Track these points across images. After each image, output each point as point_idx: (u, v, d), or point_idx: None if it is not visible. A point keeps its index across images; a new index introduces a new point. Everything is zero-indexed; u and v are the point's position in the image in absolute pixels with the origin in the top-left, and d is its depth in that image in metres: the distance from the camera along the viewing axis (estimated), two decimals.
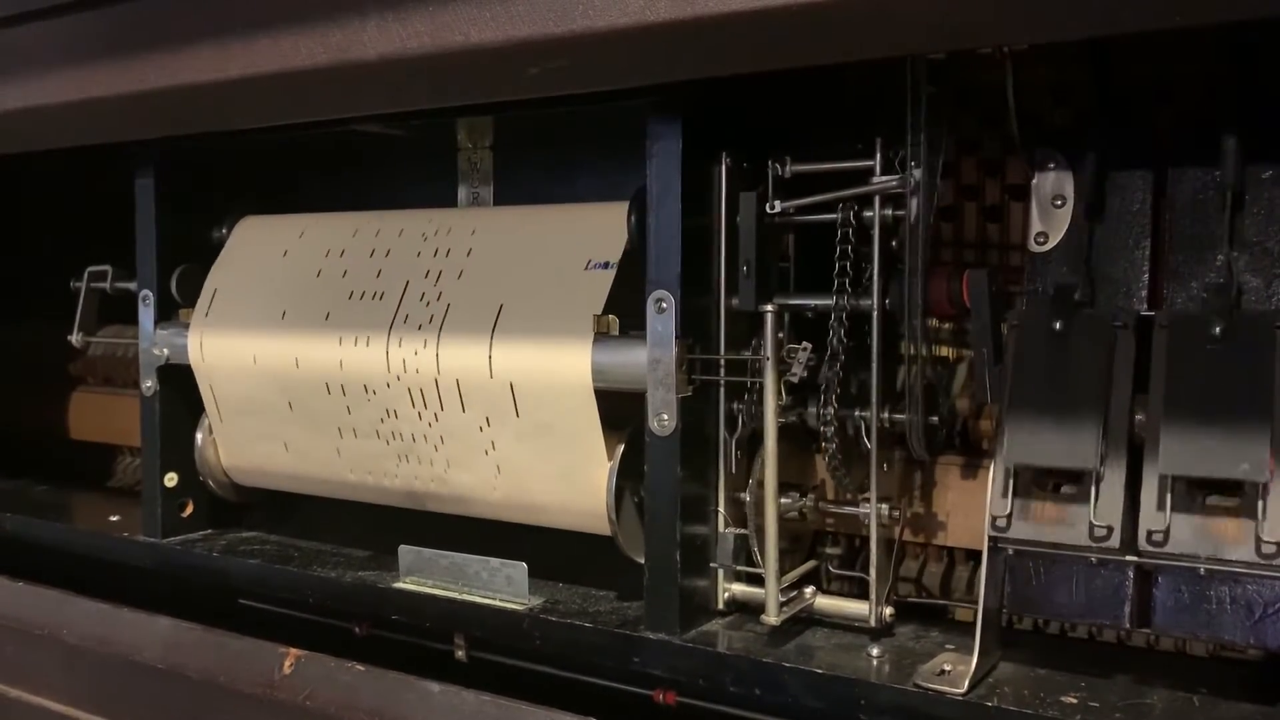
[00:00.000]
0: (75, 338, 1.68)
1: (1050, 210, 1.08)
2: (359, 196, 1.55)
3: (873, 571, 1.12)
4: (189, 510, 1.57)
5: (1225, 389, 0.94)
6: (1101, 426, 0.97)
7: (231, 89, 1.19)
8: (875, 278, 1.10)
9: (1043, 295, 1.07)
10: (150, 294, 1.53)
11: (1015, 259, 1.21)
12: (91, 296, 1.66)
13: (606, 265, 1.19)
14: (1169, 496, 0.94)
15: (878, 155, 1.09)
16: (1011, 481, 1.00)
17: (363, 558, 1.45)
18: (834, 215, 1.12)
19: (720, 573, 1.17)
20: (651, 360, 1.12)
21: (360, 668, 1.28)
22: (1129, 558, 0.97)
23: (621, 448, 1.18)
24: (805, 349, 1.12)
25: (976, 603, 1.03)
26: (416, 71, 1.07)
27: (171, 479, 1.54)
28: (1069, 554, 0.99)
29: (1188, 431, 0.93)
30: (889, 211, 1.10)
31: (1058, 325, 1.01)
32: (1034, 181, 1.09)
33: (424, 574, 1.31)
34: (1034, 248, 1.09)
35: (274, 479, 1.50)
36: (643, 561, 1.15)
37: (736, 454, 1.16)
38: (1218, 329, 0.95)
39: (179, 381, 1.52)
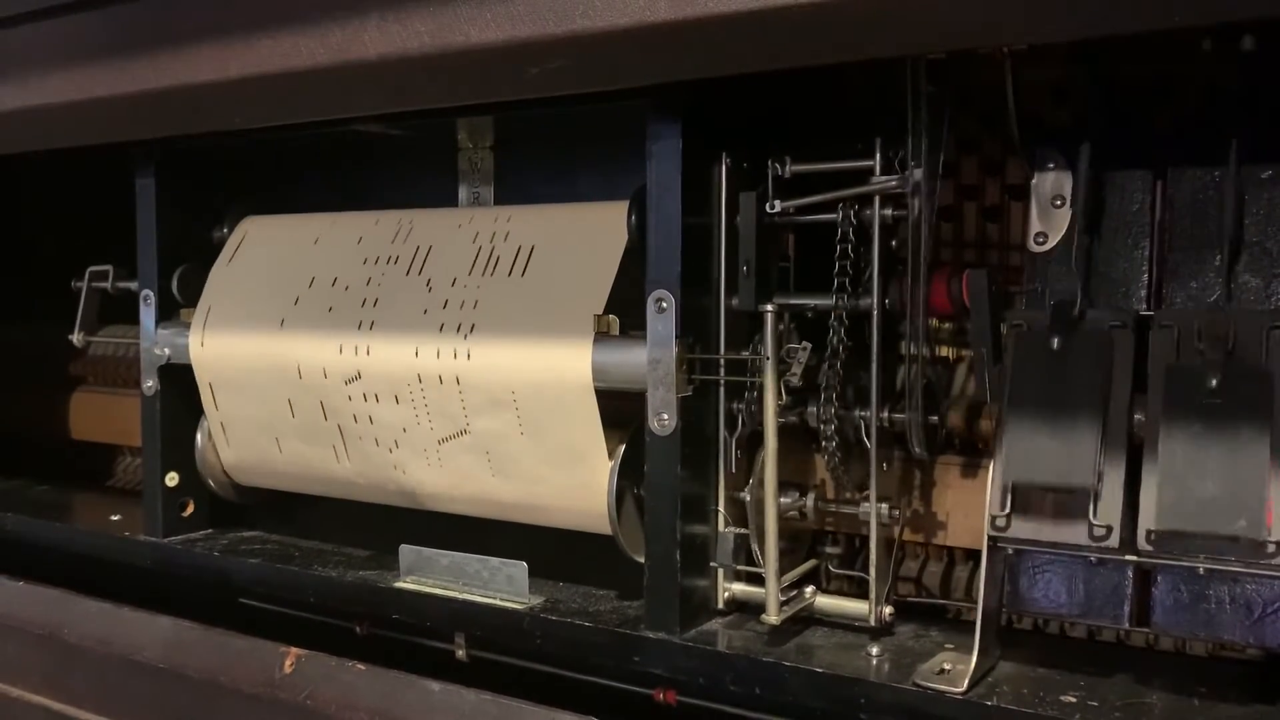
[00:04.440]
0: (76, 338, 1.67)
1: (1050, 210, 1.08)
2: (359, 196, 1.55)
3: (872, 571, 1.12)
4: (189, 510, 1.57)
5: (1223, 445, 0.93)
6: (1099, 442, 0.97)
7: (231, 89, 1.19)
8: (875, 278, 1.10)
9: (1041, 302, 1.06)
10: (151, 294, 1.53)
11: (1015, 259, 1.21)
12: (92, 296, 1.66)
13: None
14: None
15: (878, 155, 1.09)
16: (1010, 485, 1.00)
17: (363, 557, 1.46)
18: (834, 215, 1.13)
19: (720, 572, 1.17)
20: (651, 360, 1.12)
21: (361, 667, 1.28)
22: (1128, 557, 0.97)
23: (622, 448, 1.18)
24: (805, 349, 1.12)
25: (976, 602, 1.03)
26: (416, 71, 1.07)
27: (172, 478, 1.54)
28: (1068, 553, 0.99)
29: (1183, 489, 0.93)
30: (889, 211, 1.10)
31: (1055, 343, 1.01)
32: (1034, 181, 1.09)
33: (424, 573, 1.31)
34: (1034, 248, 1.08)
35: (274, 479, 1.50)
36: (643, 561, 1.15)
37: (736, 454, 1.16)
38: (1214, 382, 0.94)
39: (180, 381, 1.52)
